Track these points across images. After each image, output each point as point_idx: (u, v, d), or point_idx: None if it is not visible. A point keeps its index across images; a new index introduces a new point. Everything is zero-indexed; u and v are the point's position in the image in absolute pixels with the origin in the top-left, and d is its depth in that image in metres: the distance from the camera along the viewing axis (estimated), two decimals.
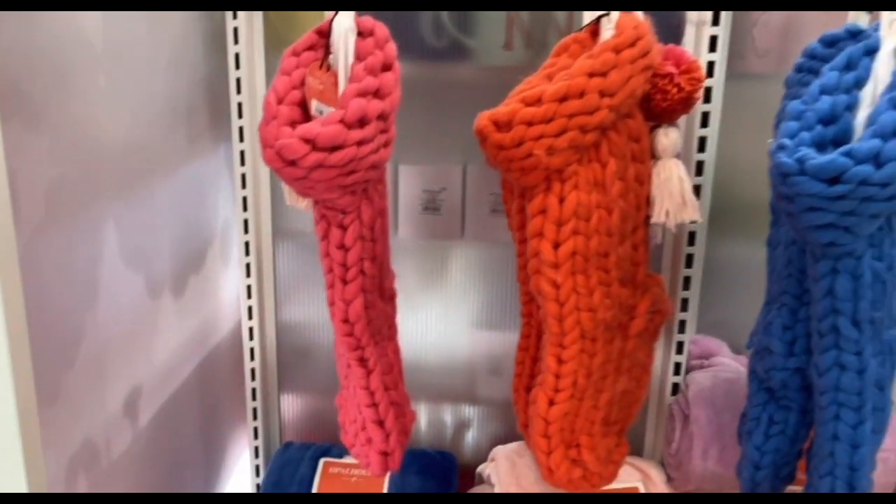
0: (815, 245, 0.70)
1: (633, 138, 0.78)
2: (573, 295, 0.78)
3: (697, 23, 0.97)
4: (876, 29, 0.71)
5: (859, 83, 0.70)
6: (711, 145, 0.99)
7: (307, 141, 0.65)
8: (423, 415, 1.18)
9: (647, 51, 0.75)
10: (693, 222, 0.82)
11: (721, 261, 1.08)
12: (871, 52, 0.71)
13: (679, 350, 1.08)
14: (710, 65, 0.96)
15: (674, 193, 0.80)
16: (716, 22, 0.95)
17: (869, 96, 0.69)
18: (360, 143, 0.67)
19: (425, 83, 1.03)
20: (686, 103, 0.79)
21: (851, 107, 0.70)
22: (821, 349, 0.74)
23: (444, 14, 1.01)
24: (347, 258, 0.75)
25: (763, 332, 0.82)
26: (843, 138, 0.69)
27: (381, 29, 0.71)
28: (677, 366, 1.08)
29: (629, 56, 0.74)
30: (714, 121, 0.98)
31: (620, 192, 0.78)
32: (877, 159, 0.63)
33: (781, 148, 0.67)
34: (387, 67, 0.70)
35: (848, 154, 0.63)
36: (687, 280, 1.04)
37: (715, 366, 1.06)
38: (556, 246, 0.77)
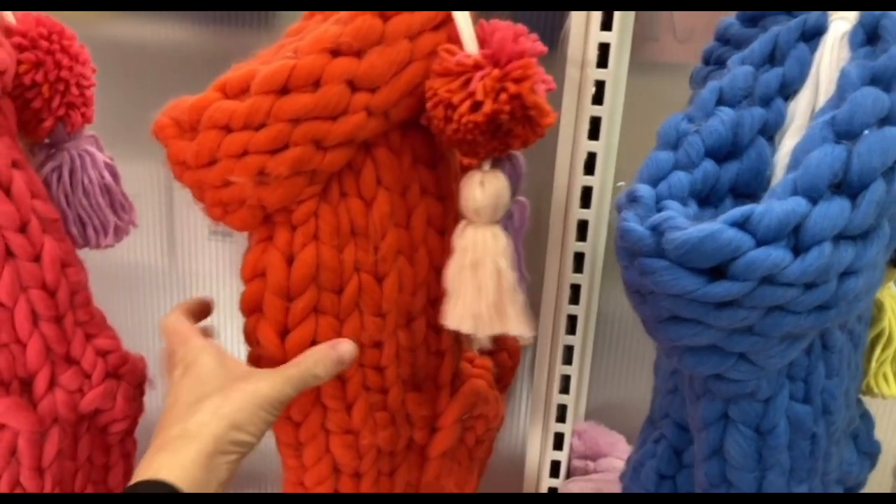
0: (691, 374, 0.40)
1: (426, 162, 0.48)
2: (315, 410, 0.48)
3: None
4: None
5: (787, 87, 0.40)
6: (606, 165, 0.69)
7: None
8: None
9: (441, 19, 0.44)
10: (521, 340, 0.48)
11: (617, 324, 0.78)
12: (812, 35, 0.40)
13: (558, 445, 0.78)
14: (604, 49, 0.65)
15: (486, 290, 0.46)
16: None
17: (802, 112, 0.39)
18: None
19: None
20: (491, 133, 0.42)
21: (771, 128, 0.39)
22: None
23: None
24: None
25: (631, 476, 0.52)
26: (750, 186, 0.39)
27: None
28: (555, 466, 0.78)
29: (406, 25, 0.43)
30: (608, 130, 0.68)
31: (399, 245, 0.47)
32: (797, 236, 0.33)
33: (633, 200, 0.37)
34: None
35: (743, 225, 0.33)
36: (569, 350, 0.74)
37: (602, 471, 0.76)
38: (284, 333, 0.46)
